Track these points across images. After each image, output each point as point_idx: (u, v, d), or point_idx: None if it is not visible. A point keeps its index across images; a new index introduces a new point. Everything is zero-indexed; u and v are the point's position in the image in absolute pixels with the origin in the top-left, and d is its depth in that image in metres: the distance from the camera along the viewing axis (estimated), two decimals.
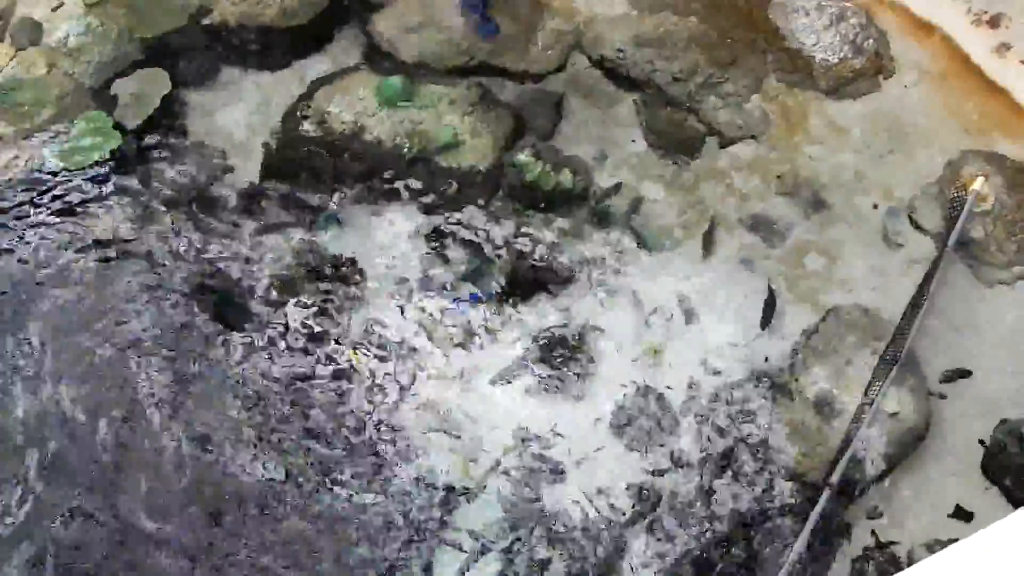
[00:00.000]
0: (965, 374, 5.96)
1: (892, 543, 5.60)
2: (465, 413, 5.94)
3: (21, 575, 5.44)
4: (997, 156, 6.44)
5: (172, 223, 6.47)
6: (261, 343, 6.10)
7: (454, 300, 6.15)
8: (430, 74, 6.90)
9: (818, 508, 5.51)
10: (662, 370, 6.06)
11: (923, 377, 5.88)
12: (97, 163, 6.61)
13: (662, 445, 5.85)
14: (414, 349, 6.12)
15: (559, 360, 6.06)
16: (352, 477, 5.74)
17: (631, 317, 6.21)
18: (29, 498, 5.61)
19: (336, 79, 6.93)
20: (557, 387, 6.00)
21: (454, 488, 5.74)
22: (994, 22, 6.68)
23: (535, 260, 6.33)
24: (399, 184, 6.61)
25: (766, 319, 6.14)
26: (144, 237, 6.41)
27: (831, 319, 6.10)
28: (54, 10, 7.01)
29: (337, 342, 6.12)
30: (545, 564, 5.56)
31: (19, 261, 6.29)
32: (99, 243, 6.37)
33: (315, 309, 6.21)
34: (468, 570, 5.54)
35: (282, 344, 6.09)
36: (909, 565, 5.36)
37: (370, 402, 5.95)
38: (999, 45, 6.65)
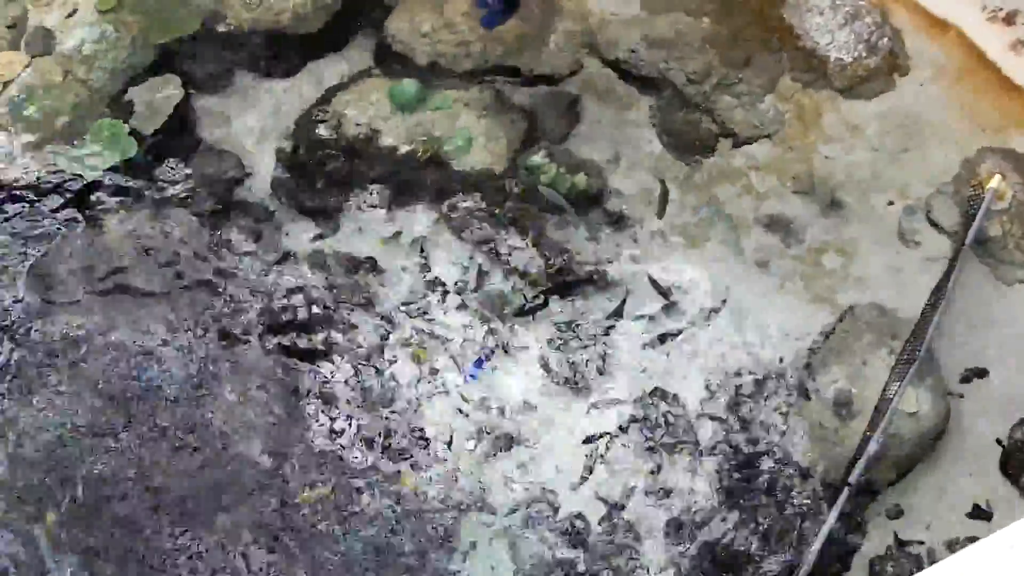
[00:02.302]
0: (983, 373, 5.94)
1: (912, 542, 5.59)
2: (477, 413, 5.96)
3: None
4: (1014, 153, 6.41)
5: (187, 229, 6.49)
6: (275, 347, 6.15)
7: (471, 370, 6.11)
8: (443, 77, 6.89)
9: (837, 508, 5.52)
10: (678, 370, 6.06)
11: (941, 376, 5.87)
12: (112, 170, 6.63)
13: (678, 445, 5.85)
14: (428, 349, 6.15)
15: (574, 360, 6.06)
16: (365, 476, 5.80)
17: (646, 319, 6.21)
18: None
19: (350, 83, 6.94)
20: (572, 388, 6.01)
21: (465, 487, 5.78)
22: (1010, 19, 6.64)
23: (550, 262, 6.33)
24: (413, 187, 6.63)
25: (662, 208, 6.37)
26: (159, 244, 6.43)
27: (848, 318, 6.09)
28: (68, 17, 7.03)
29: (350, 346, 6.16)
30: (562, 565, 5.57)
31: (34, 267, 6.31)
32: (114, 250, 6.39)
33: (329, 313, 6.24)
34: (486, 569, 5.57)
35: (298, 346, 6.14)
36: (930, 564, 5.35)
37: (386, 401, 6.00)
38: (1015, 42, 6.61)
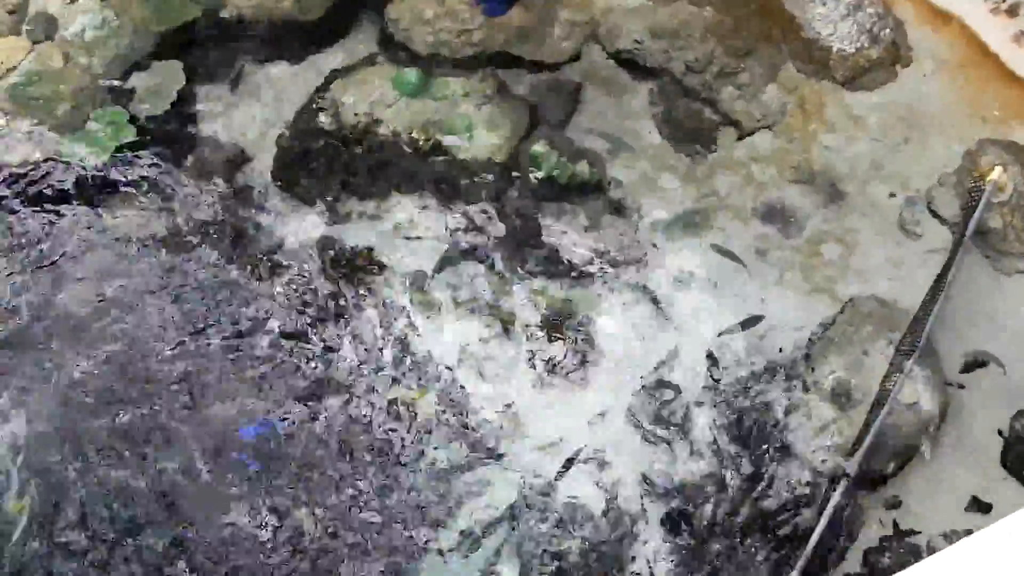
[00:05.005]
0: (983, 364, 5.94)
1: (910, 533, 5.59)
2: (474, 403, 5.97)
3: None
4: (1015, 145, 6.39)
5: (187, 216, 6.50)
6: (278, 334, 6.15)
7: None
8: (445, 65, 6.89)
9: (835, 498, 5.51)
10: (676, 361, 6.06)
11: (941, 367, 5.86)
12: (113, 156, 6.63)
13: (675, 437, 5.85)
14: (427, 341, 6.15)
15: (571, 351, 6.06)
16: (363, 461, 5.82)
17: (645, 308, 6.20)
18: None
19: (351, 71, 6.94)
20: (568, 378, 6.01)
21: (461, 473, 5.79)
22: (1012, 11, 6.63)
23: (551, 251, 6.33)
24: (413, 176, 6.63)
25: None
26: (160, 230, 6.44)
27: (848, 309, 6.08)
28: (69, 3, 7.03)
29: (350, 334, 6.17)
30: (560, 556, 5.58)
31: (37, 253, 6.32)
32: (115, 236, 6.39)
33: (332, 301, 6.24)
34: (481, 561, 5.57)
35: (300, 336, 6.14)
36: (928, 555, 5.35)
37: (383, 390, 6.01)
38: (1018, 33, 6.60)
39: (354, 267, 6.35)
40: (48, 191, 6.51)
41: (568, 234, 6.41)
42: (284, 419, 5.83)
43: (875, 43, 6.76)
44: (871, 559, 5.57)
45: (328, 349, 6.10)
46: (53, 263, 6.28)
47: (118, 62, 6.92)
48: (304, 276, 6.32)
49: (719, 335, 6.11)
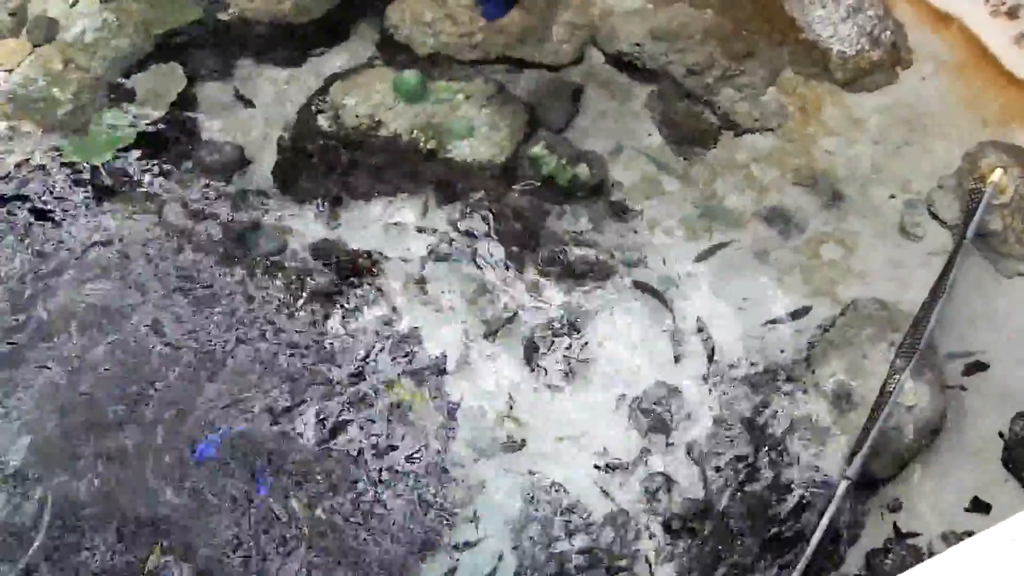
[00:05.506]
0: (983, 366, 5.93)
1: (911, 535, 5.58)
2: (474, 403, 5.97)
3: None
4: (1015, 147, 6.41)
5: (187, 218, 6.49)
6: (277, 339, 6.14)
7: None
8: (446, 67, 6.90)
9: (836, 501, 5.50)
10: (677, 362, 6.05)
11: (941, 370, 5.86)
12: (113, 158, 6.63)
13: (676, 438, 5.84)
14: (427, 341, 6.15)
15: (572, 352, 6.06)
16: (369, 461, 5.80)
17: (645, 309, 6.21)
18: None
19: (351, 73, 6.95)
20: (569, 379, 6.00)
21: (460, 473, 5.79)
22: (1012, 13, 6.64)
23: (551, 252, 6.33)
24: (414, 178, 6.63)
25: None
26: (159, 232, 6.43)
27: (848, 311, 6.08)
28: (71, 6, 7.04)
29: (353, 333, 6.16)
30: (560, 557, 5.57)
31: (36, 255, 6.31)
32: (115, 238, 6.39)
33: (332, 304, 6.24)
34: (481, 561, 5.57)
35: (300, 339, 6.13)
36: (929, 557, 5.34)
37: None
38: (1018, 35, 6.61)
39: (354, 268, 6.34)
40: (48, 193, 6.50)
41: (568, 235, 6.41)
42: (230, 428, 5.80)
43: (875, 45, 6.77)
44: (872, 561, 5.56)
45: (327, 350, 6.10)
46: (52, 265, 6.27)
47: (118, 64, 6.93)
48: (304, 277, 6.31)
49: (764, 324, 6.13)
